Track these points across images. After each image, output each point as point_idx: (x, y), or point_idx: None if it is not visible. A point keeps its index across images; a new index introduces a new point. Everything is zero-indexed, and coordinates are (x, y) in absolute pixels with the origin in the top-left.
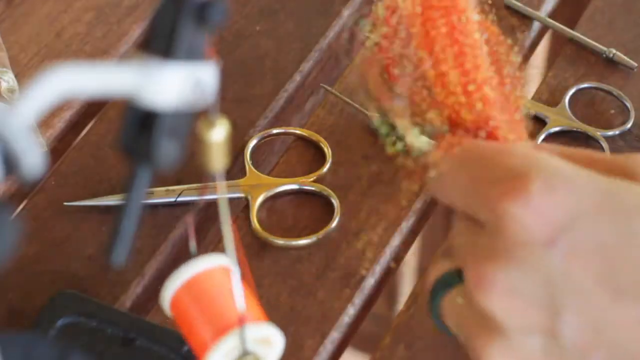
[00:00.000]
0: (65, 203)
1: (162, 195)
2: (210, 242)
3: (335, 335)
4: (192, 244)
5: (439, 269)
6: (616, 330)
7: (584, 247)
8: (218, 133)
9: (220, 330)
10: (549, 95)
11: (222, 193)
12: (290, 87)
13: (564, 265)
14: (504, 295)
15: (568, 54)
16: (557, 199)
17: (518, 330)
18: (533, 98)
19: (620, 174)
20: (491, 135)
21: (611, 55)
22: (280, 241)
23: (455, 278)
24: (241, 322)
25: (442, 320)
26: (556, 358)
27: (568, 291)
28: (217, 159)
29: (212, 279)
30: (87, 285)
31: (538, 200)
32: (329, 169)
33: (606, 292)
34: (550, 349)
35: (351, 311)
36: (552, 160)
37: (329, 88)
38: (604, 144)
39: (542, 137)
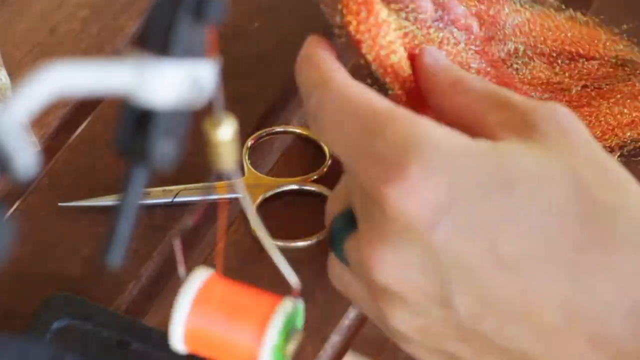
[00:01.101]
0: (59, 203)
1: (159, 196)
2: (208, 244)
3: (335, 339)
4: (181, 270)
5: (338, 203)
6: (503, 300)
7: (465, 226)
8: (225, 131)
9: (261, 320)
10: None
11: (242, 192)
12: (290, 84)
13: (448, 245)
14: (396, 274)
15: None
16: (435, 181)
17: (417, 301)
18: None
19: (523, 126)
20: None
21: None
22: (279, 242)
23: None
24: (276, 302)
25: (346, 261)
26: (454, 325)
27: (455, 269)
28: (227, 157)
29: (213, 290)
30: (82, 287)
31: (415, 185)
32: (329, 169)
33: (491, 266)
34: (447, 317)
35: (352, 314)
36: (433, 136)
37: None
38: None
39: None
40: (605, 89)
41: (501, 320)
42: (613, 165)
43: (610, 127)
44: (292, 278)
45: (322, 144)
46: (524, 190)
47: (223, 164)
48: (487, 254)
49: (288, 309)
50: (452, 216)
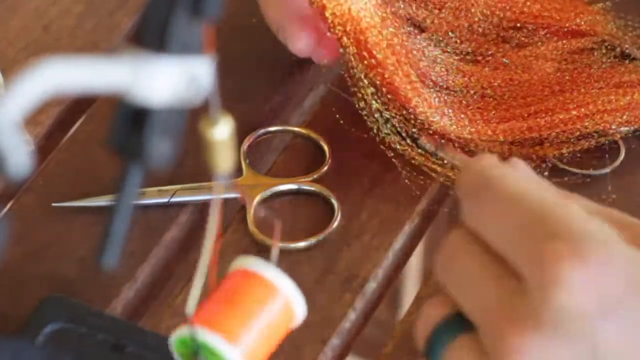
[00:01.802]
0: (53, 204)
1: (155, 196)
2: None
3: (335, 342)
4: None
5: (436, 310)
6: None
7: (634, 321)
8: (222, 130)
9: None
10: None
11: (223, 193)
12: (289, 82)
13: (612, 339)
14: None
15: None
16: (615, 269)
17: None
18: None
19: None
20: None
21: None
22: (278, 243)
23: (458, 324)
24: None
25: None
26: None
27: None
28: (223, 158)
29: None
30: (77, 289)
31: (595, 269)
32: (329, 169)
33: None
34: None
35: (352, 316)
36: (607, 228)
37: (329, 85)
38: None
39: None
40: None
41: None
42: None
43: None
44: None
45: (322, 144)
46: None
47: (219, 164)
48: None
49: (257, 261)
50: (623, 310)
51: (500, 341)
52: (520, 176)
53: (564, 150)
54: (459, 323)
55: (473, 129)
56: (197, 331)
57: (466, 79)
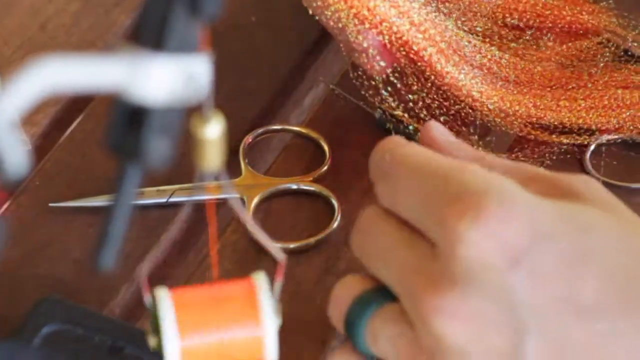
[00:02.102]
0: (50, 204)
1: (153, 196)
2: (204, 245)
3: (335, 342)
4: (147, 298)
5: (354, 285)
6: (581, 348)
7: (544, 268)
8: (213, 129)
9: (251, 309)
10: None
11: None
12: (288, 81)
13: (526, 289)
14: (465, 322)
15: None
16: (515, 220)
17: (479, 357)
18: None
19: (563, 194)
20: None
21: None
22: (277, 244)
23: (378, 298)
24: (249, 284)
25: (368, 345)
26: None
27: (531, 314)
28: (212, 157)
29: (186, 303)
30: (74, 290)
31: (493, 222)
32: (328, 168)
33: (569, 311)
34: None
35: None
36: (506, 181)
37: (329, 83)
38: None
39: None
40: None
41: None
42: None
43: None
44: (277, 253)
45: (322, 143)
46: (599, 234)
47: (208, 163)
48: (566, 298)
49: (265, 285)
50: (531, 258)
51: (420, 304)
52: (421, 150)
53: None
54: (376, 298)
55: (496, 99)
56: (163, 302)
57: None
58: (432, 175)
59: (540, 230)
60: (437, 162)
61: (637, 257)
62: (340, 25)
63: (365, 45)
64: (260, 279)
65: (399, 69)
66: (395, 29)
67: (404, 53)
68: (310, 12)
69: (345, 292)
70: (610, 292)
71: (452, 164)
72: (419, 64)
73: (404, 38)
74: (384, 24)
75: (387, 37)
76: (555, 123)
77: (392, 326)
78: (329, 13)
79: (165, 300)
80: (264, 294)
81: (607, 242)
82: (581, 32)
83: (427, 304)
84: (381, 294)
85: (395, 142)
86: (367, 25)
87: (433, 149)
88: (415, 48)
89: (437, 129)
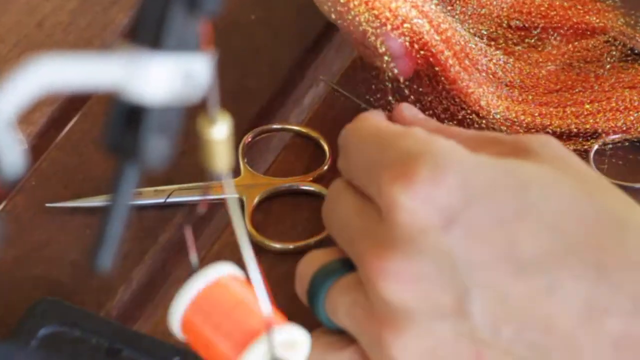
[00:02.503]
0: (46, 204)
1: (151, 196)
2: (203, 246)
3: None
4: (194, 257)
5: (316, 258)
6: (523, 302)
7: (480, 226)
8: (220, 130)
9: (242, 343)
10: None
11: (231, 193)
12: (288, 80)
13: (463, 247)
14: (409, 283)
15: None
16: (446, 182)
17: (427, 317)
18: None
19: (518, 153)
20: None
21: None
22: (277, 245)
23: (338, 269)
24: (267, 327)
25: (329, 316)
26: (468, 337)
27: (471, 271)
28: (221, 157)
29: (221, 290)
30: (70, 292)
31: (424, 186)
32: (329, 168)
33: (509, 266)
34: (461, 330)
35: None
36: (444, 144)
37: (329, 81)
38: None
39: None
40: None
41: (520, 325)
42: (605, 180)
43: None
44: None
45: (322, 143)
46: (538, 190)
47: (217, 164)
48: (504, 254)
49: (275, 338)
50: (467, 218)
51: (366, 268)
52: (374, 120)
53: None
54: (337, 269)
55: (502, 109)
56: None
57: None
58: (375, 142)
59: (474, 189)
60: (383, 130)
61: (577, 211)
62: (360, 29)
63: (384, 49)
64: (278, 332)
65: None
66: (416, 29)
67: (423, 55)
68: (332, 17)
69: (308, 265)
70: (547, 247)
71: (395, 131)
72: (436, 68)
73: (424, 39)
74: (405, 25)
75: (408, 38)
76: (562, 129)
77: (348, 295)
78: (349, 17)
79: (212, 273)
80: (261, 343)
81: (545, 197)
82: (587, 32)
83: (372, 266)
84: (342, 265)
85: (359, 117)
86: (389, 27)
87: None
88: (433, 50)
89: (407, 108)
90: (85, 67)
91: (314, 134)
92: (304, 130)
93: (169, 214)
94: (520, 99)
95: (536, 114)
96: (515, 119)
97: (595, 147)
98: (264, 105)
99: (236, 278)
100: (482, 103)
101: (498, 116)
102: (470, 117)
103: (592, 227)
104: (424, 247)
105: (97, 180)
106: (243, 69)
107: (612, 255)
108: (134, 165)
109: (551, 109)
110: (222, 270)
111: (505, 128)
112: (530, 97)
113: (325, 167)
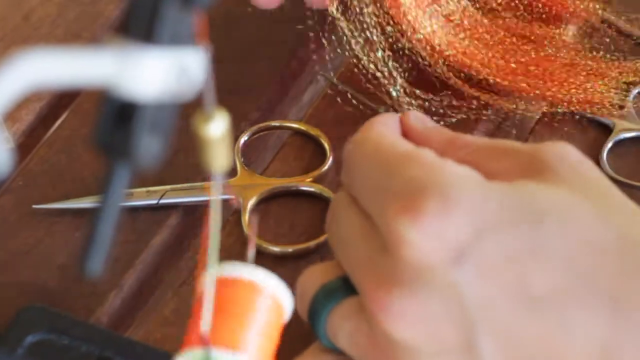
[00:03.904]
0: (34, 206)
1: (143, 197)
2: (197, 250)
3: None
4: (252, 252)
5: (317, 276)
6: (535, 341)
7: (491, 262)
8: (217, 127)
9: (189, 341)
10: None
11: (218, 195)
12: (287, 75)
13: (473, 284)
14: (415, 323)
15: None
16: (456, 216)
17: (433, 356)
18: None
19: (534, 171)
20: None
21: None
22: (275, 248)
23: (340, 289)
24: (202, 343)
25: (329, 338)
26: None
27: (481, 309)
28: (219, 156)
29: (229, 289)
30: (59, 298)
31: (432, 220)
32: (329, 168)
33: (520, 304)
34: None
35: None
36: (453, 172)
37: (330, 77)
38: None
39: (609, 145)
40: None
41: None
42: (630, 202)
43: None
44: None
45: (322, 141)
46: (553, 223)
47: (214, 163)
48: (515, 292)
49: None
50: (477, 253)
51: (369, 299)
52: (379, 134)
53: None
54: (338, 290)
55: (428, 30)
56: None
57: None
58: (381, 166)
59: (484, 223)
60: (389, 152)
61: (594, 242)
62: None
63: None
64: (221, 269)
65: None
66: None
67: None
68: None
69: (309, 283)
70: (561, 283)
71: (402, 154)
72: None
73: None
74: None
75: None
76: (487, 78)
77: (350, 321)
78: None
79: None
80: (234, 271)
81: (560, 231)
82: (573, 17)
83: (376, 301)
84: (344, 285)
85: (365, 126)
86: None
87: (410, 138)
88: None
89: (416, 118)
90: (74, 62)
91: (313, 131)
92: (303, 127)
93: (162, 216)
94: (453, 33)
95: (462, 51)
96: (438, 46)
97: (610, 144)
98: (261, 102)
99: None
100: (409, 18)
101: (421, 37)
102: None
103: (610, 259)
104: (431, 285)
105: (86, 180)
106: (239, 63)
107: (630, 289)
108: (126, 164)
109: (480, 53)
110: (254, 274)
111: (425, 55)
112: (467, 39)
113: (326, 167)
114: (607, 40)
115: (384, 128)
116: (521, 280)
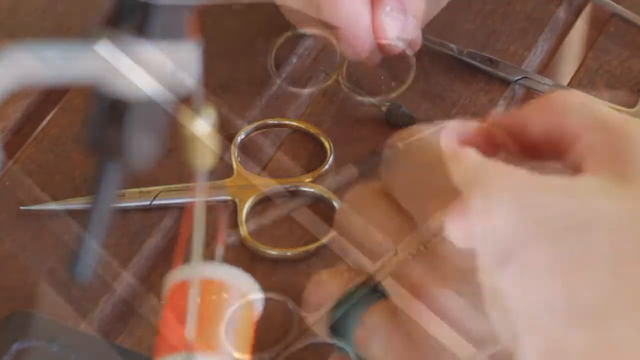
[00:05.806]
0: (21, 207)
1: (135, 198)
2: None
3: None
4: (220, 250)
5: (335, 283)
6: (580, 356)
7: (536, 269)
8: (203, 124)
9: (165, 348)
10: (588, 80)
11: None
12: (285, 71)
13: (517, 289)
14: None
15: (611, 32)
16: (501, 217)
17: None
18: (570, 84)
19: (614, 150)
20: None
21: None
22: (273, 252)
23: (365, 294)
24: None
25: (358, 347)
26: None
27: (523, 320)
28: (203, 155)
29: (207, 292)
30: (47, 303)
31: (476, 219)
32: (330, 167)
33: (560, 316)
34: None
35: None
36: (498, 170)
37: (330, 73)
38: None
39: None
40: None
41: None
42: None
43: None
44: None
45: (322, 140)
46: (603, 232)
47: (199, 161)
48: (557, 302)
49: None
50: (522, 257)
51: (409, 304)
52: (426, 136)
53: None
54: (363, 297)
55: None
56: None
57: None
58: (424, 163)
59: (531, 226)
60: (434, 150)
61: None
62: None
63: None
64: (183, 272)
65: None
66: None
67: None
68: None
69: (325, 292)
70: (609, 295)
71: (446, 152)
72: None
73: None
74: None
75: None
76: None
77: (385, 325)
78: None
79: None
80: (196, 271)
81: (609, 236)
82: None
83: (416, 304)
84: (365, 290)
85: (412, 129)
86: None
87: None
88: None
89: (459, 125)
90: (63, 57)
91: (313, 129)
92: (302, 126)
93: (155, 218)
94: None
95: None
96: None
97: None
98: (258, 99)
99: (225, 288)
100: None
101: None
102: None
103: None
104: (474, 287)
105: (76, 180)
106: (235, 58)
107: None
108: (117, 164)
109: None
110: (226, 274)
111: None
112: None
113: (326, 167)
114: None
115: (430, 129)
116: (567, 289)
